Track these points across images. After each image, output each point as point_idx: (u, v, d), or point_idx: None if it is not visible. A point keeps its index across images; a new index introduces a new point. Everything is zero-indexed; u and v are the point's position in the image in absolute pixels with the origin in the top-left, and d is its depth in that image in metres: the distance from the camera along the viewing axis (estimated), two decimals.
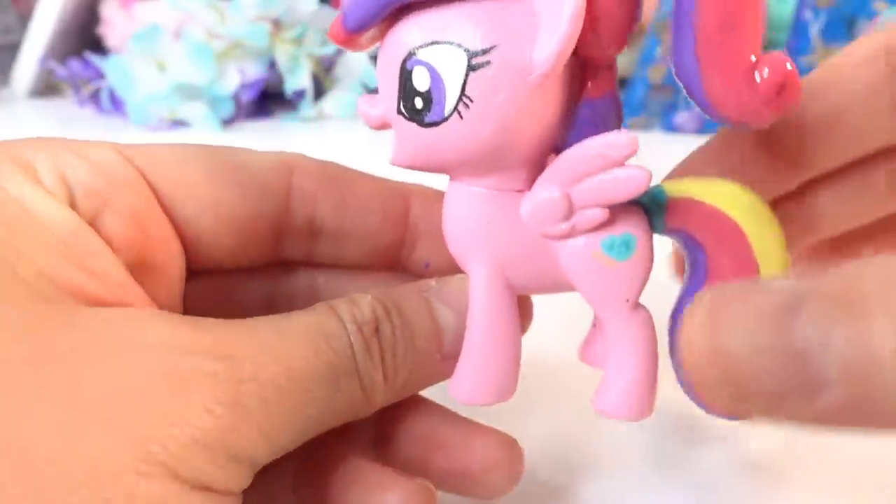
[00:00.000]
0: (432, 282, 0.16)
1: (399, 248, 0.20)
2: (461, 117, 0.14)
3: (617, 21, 0.14)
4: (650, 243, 0.15)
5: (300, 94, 0.57)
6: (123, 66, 0.53)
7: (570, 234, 0.15)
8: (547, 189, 0.14)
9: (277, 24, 0.56)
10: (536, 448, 0.20)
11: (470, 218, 0.15)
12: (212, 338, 0.13)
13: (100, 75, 0.56)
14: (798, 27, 0.52)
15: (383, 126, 0.15)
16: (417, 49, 0.14)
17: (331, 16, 0.59)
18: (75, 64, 0.57)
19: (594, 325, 0.18)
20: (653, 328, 0.16)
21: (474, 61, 0.14)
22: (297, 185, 0.18)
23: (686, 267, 0.16)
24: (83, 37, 0.63)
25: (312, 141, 0.53)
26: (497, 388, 0.15)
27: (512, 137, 0.14)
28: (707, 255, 0.15)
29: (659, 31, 0.53)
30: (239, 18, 0.55)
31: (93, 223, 0.15)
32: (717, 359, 0.10)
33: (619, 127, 0.15)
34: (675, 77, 0.15)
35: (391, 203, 0.19)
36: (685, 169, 0.18)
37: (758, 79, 0.14)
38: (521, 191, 0.15)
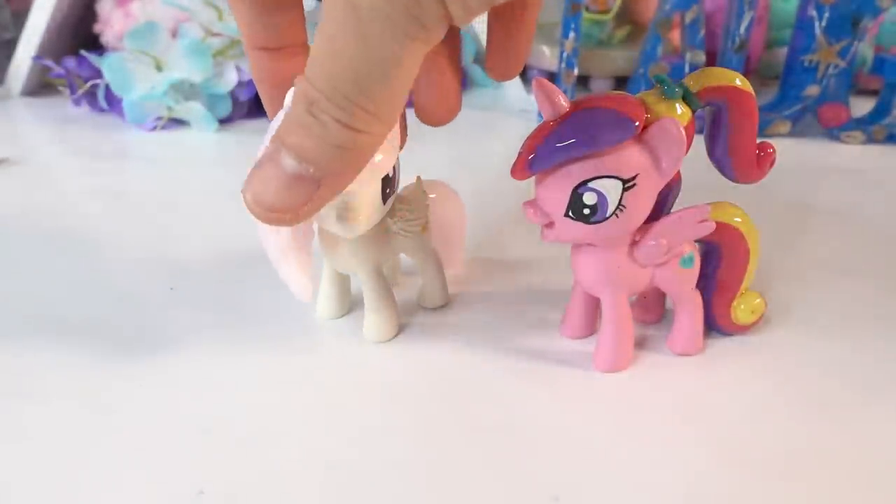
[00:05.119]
0: None
1: None
2: (617, 217, 0.23)
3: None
4: (699, 257, 0.26)
5: None
6: (120, 64, 0.52)
7: (665, 262, 0.25)
8: (654, 239, 0.24)
9: None
10: None
11: (604, 266, 0.25)
12: None
13: (96, 73, 0.55)
14: (802, 24, 0.51)
15: (550, 224, 0.24)
16: (588, 181, 0.22)
17: None
18: (71, 62, 0.57)
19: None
20: (700, 298, 0.27)
21: (627, 185, 0.22)
22: None
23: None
24: (79, 34, 0.63)
25: None
26: (627, 360, 0.26)
27: (640, 219, 0.24)
28: (722, 247, 0.26)
29: (661, 30, 0.53)
30: None
31: None
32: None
33: (677, 192, 0.26)
34: (710, 160, 0.25)
35: None
36: None
37: (759, 158, 0.25)
38: (630, 244, 0.25)
